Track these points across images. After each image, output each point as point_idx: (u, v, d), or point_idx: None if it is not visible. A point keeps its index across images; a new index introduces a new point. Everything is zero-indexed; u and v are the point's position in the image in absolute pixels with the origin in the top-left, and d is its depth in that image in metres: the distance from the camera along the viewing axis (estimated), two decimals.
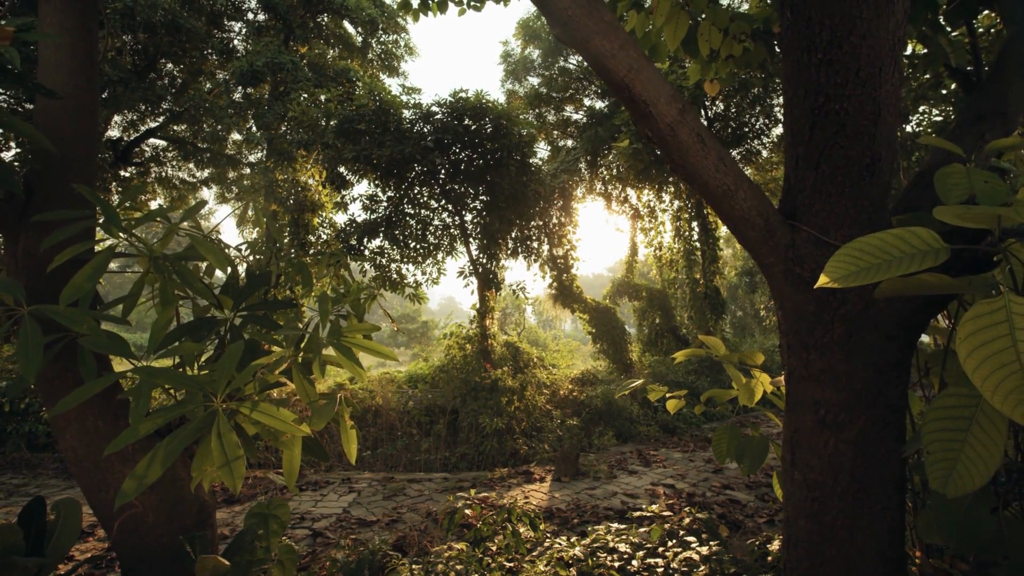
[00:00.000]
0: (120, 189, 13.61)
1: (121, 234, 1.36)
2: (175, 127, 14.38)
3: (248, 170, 16.03)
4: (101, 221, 1.38)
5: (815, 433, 1.50)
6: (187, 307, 1.92)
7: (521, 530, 3.00)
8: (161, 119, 13.91)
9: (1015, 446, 1.48)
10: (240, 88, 13.32)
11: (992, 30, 3.88)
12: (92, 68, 1.85)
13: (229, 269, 1.65)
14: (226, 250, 2.36)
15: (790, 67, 1.53)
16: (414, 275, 11.28)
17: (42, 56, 1.79)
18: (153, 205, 15.67)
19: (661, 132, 1.51)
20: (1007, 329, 0.93)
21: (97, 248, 1.51)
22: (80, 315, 1.33)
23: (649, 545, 2.93)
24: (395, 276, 11.07)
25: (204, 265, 1.90)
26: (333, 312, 1.67)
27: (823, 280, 1.08)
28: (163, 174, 15.72)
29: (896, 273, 1.05)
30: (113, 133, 13.72)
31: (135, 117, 13.64)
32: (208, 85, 14.34)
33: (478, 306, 10.77)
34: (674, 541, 2.93)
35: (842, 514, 1.45)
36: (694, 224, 13.88)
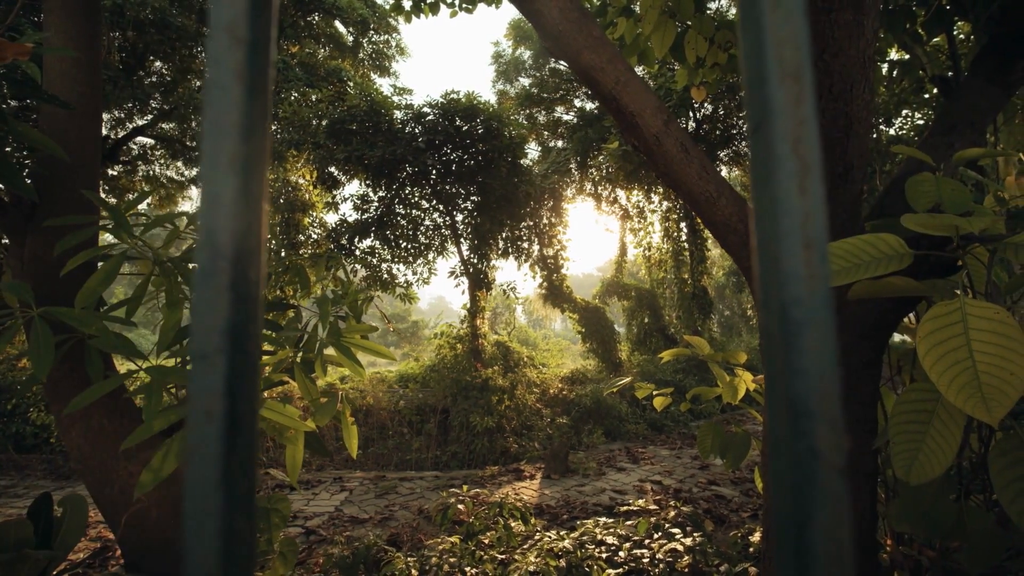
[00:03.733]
0: (107, 188, 13.50)
1: (129, 239, 1.41)
2: (163, 125, 14.27)
3: None
4: (109, 225, 1.43)
5: None
6: (186, 307, 1.97)
7: (512, 524, 3.07)
8: (149, 117, 13.80)
9: (979, 439, 1.57)
10: None
11: (971, 37, 4.00)
12: (95, 74, 1.89)
13: None
14: None
15: None
16: (405, 275, 11.30)
17: (47, 64, 1.83)
18: (142, 204, 15.51)
19: (647, 142, 1.59)
20: (961, 329, 1.02)
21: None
22: (89, 317, 1.38)
23: (636, 538, 3.01)
24: (386, 276, 11.09)
25: None
26: (332, 313, 1.73)
27: None
28: (151, 172, 15.59)
29: (866, 276, 1.13)
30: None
31: (123, 115, 13.53)
32: (197, 83, 14.24)
33: (469, 306, 10.82)
34: (660, 534, 3.01)
35: None
36: (682, 225, 14.03)
